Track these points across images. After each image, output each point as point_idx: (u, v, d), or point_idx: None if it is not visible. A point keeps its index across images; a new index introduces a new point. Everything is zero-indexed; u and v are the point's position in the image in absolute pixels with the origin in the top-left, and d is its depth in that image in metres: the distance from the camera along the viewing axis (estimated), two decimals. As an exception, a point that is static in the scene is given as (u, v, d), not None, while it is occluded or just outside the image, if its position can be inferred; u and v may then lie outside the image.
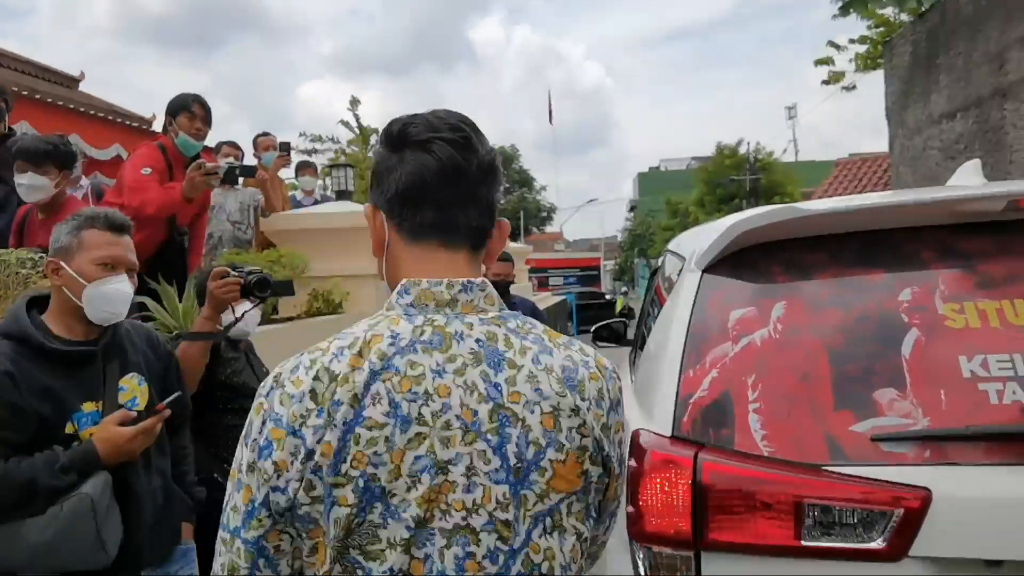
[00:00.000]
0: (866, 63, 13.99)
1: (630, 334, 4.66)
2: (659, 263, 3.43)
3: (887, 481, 1.32)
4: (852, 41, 14.00)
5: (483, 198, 0.98)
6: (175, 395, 1.85)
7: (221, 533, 0.93)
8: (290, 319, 4.57)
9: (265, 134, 5.41)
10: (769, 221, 1.51)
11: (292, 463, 0.86)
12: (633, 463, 1.53)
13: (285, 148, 5.36)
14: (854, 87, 14.59)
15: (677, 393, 1.53)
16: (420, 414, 0.87)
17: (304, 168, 5.95)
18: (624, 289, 45.73)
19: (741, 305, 1.56)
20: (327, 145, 14.53)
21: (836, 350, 1.45)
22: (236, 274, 2.31)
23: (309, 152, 14.05)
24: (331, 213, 5.16)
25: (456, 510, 0.87)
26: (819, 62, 14.79)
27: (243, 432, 0.92)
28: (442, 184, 0.94)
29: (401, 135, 0.96)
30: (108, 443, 1.67)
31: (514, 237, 28.02)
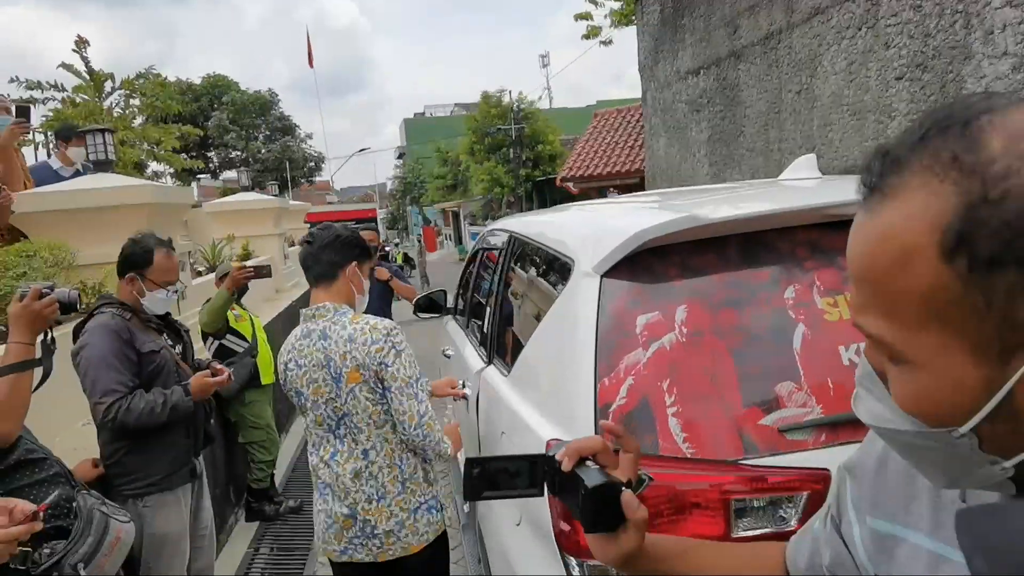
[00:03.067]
0: (620, 19, 15.05)
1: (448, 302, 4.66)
2: (486, 240, 3.42)
3: (793, 467, 1.46)
4: (608, -3, 14.90)
5: (323, 260, 2.33)
6: (54, 495, 1.46)
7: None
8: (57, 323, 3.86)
9: None
10: (676, 228, 1.56)
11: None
12: (560, 479, 1.52)
13: (24, 112, 4.38)
14: (611, 42, 15.67)
15: (595, 402, 1.55)
16: (302, 363, 2.27)
17: (78, 138, 4.92)
18: (396, 240, 45.42)
19: (646, 310, 1.60)
20: (50, 93, 12.23)
21: (737, 350, 1.55)
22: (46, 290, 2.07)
23: (28, 102, 11.73)
24: (94, 189, 4.38)
25: (320, 394, 2.24)
26: (579, 17, 15.59)
27: None
28: (305, 262, 2.36)
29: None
30: None
31: (281, 191, 26.28)
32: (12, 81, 12.25)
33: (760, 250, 1.66)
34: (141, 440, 2.65)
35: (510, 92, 27.39)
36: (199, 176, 26.64)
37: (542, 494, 0.96)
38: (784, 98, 7.57)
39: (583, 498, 0.88)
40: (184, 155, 17.62)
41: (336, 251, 2.30)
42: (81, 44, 12.19)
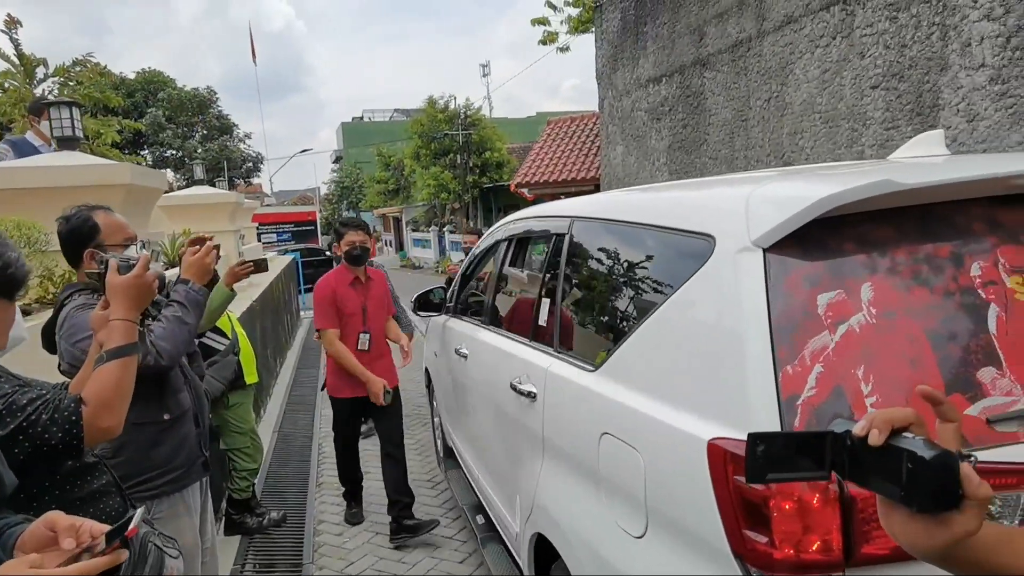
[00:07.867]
0: (577, 26, 15.04)
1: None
2: (515, 231, 3.20)
3: (1010, 463, 1.30)
4: (567, 3, 14.86)
5: None
6: (134, 512, 1.11)
7: None
8: (25, 312, 3.41)
9: None
10: (872, 194, 1.38)
11: None
12: (743, 481, 1.32)
13: None
14: (568, 48, 15.64)
15: (777, 393, 1.35)
16: None
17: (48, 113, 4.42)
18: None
19: (826, 288, 1.42)
20: (-29, 77, 11.24)
21: (933, 331, 1.39)
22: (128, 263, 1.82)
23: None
24: (68, 167, 3.94)
25: None
26: (535, 22, 15.50)
27: None
28: None
29: None
30: None
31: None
32: (-73, 59, 11.21)
33: (937, 224, 1.51)
34: (152, 432, 2.32)
35: (454, 98, 27.15)
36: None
37: (828, 478, 0.85)
38: (752, 106, 7.60)
39: (912, 474, 0.75)
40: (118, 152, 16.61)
41: None
42: (12, 24, 11.25)
